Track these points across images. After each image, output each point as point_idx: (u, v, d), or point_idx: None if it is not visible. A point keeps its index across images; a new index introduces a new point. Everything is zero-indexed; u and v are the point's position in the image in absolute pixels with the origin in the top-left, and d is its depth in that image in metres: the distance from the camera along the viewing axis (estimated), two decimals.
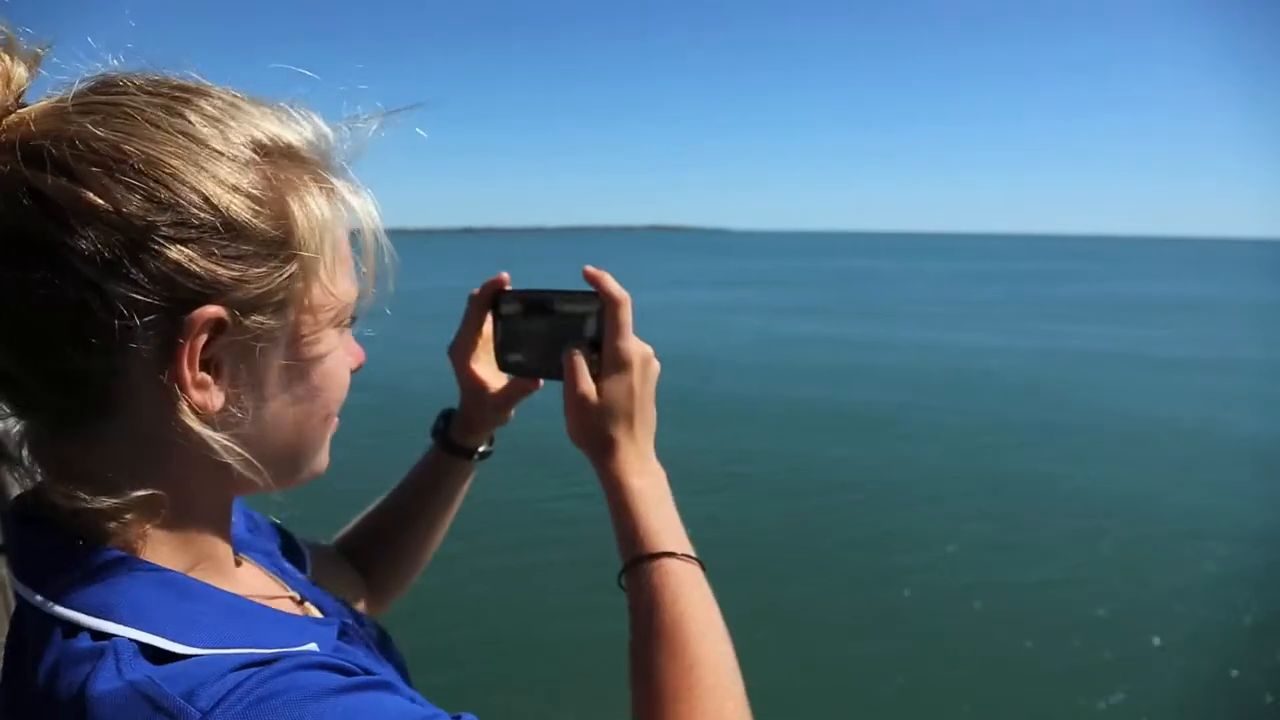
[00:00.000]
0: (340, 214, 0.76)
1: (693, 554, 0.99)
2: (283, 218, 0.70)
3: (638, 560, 0.98)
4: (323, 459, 0.85)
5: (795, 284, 47.73)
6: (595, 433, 1.07)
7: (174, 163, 0.65)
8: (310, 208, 0.73)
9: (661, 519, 1.01)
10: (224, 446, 0.74)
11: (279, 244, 0.70)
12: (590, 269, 1.08)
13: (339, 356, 0.80)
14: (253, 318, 0.70)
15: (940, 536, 8.14)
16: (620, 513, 1.03)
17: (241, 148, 0.70)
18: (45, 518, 0.72)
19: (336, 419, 0.84)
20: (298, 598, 0.96)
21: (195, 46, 0.81)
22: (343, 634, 0.84)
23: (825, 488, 9.73)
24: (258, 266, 0.69)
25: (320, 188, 0.75)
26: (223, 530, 0.82)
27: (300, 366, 0.77)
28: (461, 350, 1.22)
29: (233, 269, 0.68)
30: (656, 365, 1.10)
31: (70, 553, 0.70)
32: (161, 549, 0.73)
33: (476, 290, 1.19)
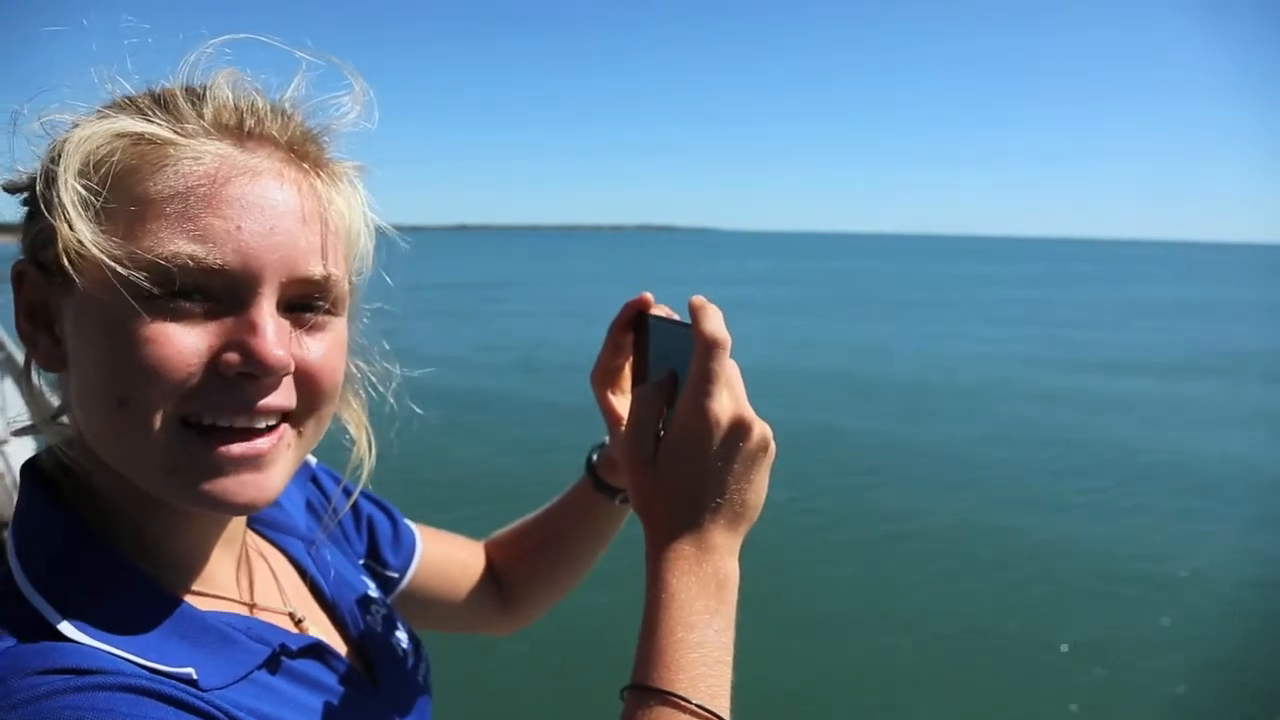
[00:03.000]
0: (157, 164, 0.71)
1: (713, 710, 0.77)
2: (44, 171, 0.74)
3: (637, 690, 0.79)
4: (146, 461, 0.72)
5: (794, 284, 47.74)
6: (647, 505, 0.88)
7: None
8: (69, 153, 0.71)
9: (691, 644, 0.79)
10: (50, 406, 0.81)
11: (35, 195, 0.75)
12: (696, 299, 0.86)
13: (136, 330, 0.69)
14: (34, 270, 0.76)
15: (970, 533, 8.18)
16: (646, 616, 0.83)
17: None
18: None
19: (156, 412, 0.70)
20: (284, 610, 0.92)
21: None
22: (273, 664, 0.81)
23: (834, 487, 9.75)
24: (35, 221, 0.75)
25: (118, 135, 0.72)
26: (188, 518, 0.80)
27: (84, 333, 0.72)
28: (600, 377, 1.06)
29: (26, 226, 0.77)
30: (759, 439, 0.85)
31: (44, 503, 0.78)
32: (118, 522, 0.78)
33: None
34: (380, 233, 0.91)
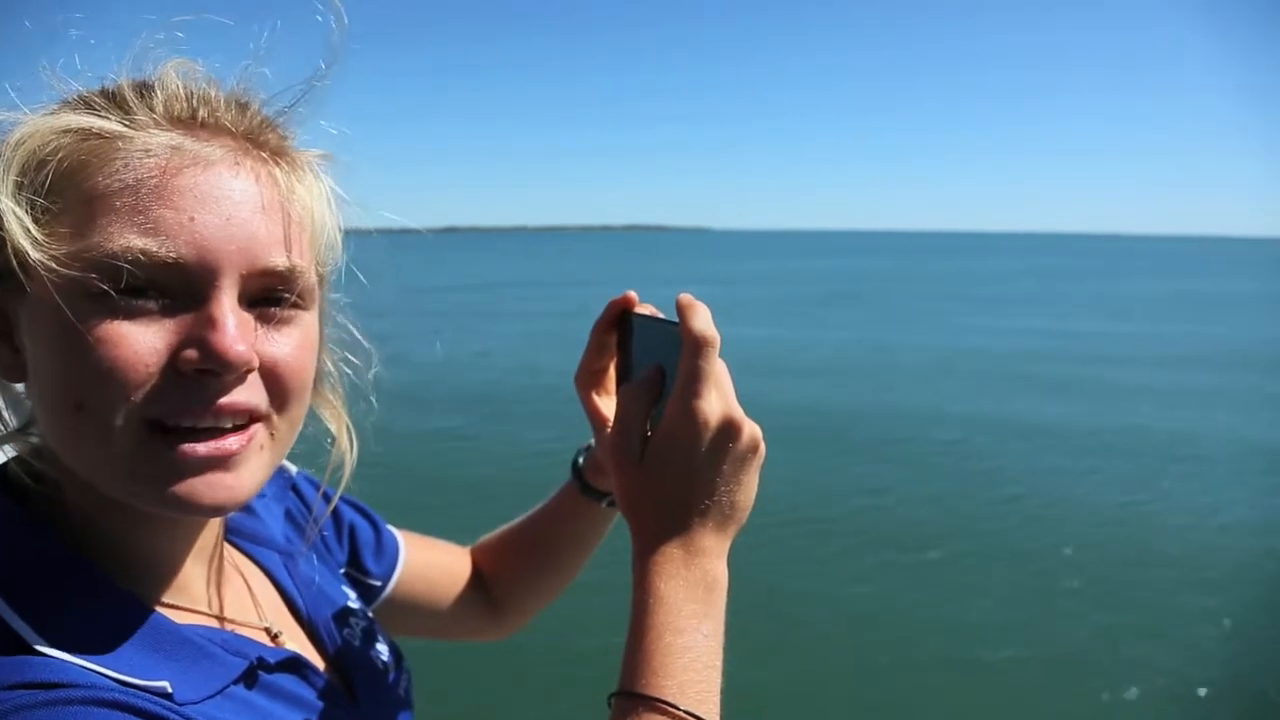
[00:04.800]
0: (105, 159, 0.69)
1: (702, 716, 0.75)
2: None
3: (625, 696, 0.77)
4: (109, 467, 0.70)
5: (791, 284, 47.68)
6: (634, 506, 0.86)
7: None
8: (9, 153, 0.69)
9: (679, 649, 0.78)
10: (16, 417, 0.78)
11: None
12: (683, 297, 0.84)
13: (89, 332, 0.66)
14: None
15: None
16: (634, 620, 0.81)
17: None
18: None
19: (116, 416, 0.67)
20: (259, 625, 0.90)
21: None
22: (250, 678, 0.79)
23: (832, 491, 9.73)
24: None
25: (62, 131, 0.69)
26: (160, 528, 0.78)
27: (39, 339, 0.70)
28: (585, 379, 1.03)
29: None
30: (749, 440, 0.84)
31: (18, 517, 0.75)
32: (88, 533, 0.76)
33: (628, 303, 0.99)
34: (357, 233, 0.89)
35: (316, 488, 1.13)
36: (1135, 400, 14.56)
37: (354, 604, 1.08)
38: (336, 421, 0.96)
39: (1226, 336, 22.73)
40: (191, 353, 0.68)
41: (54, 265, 0.66)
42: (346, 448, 0.98)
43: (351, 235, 0.89)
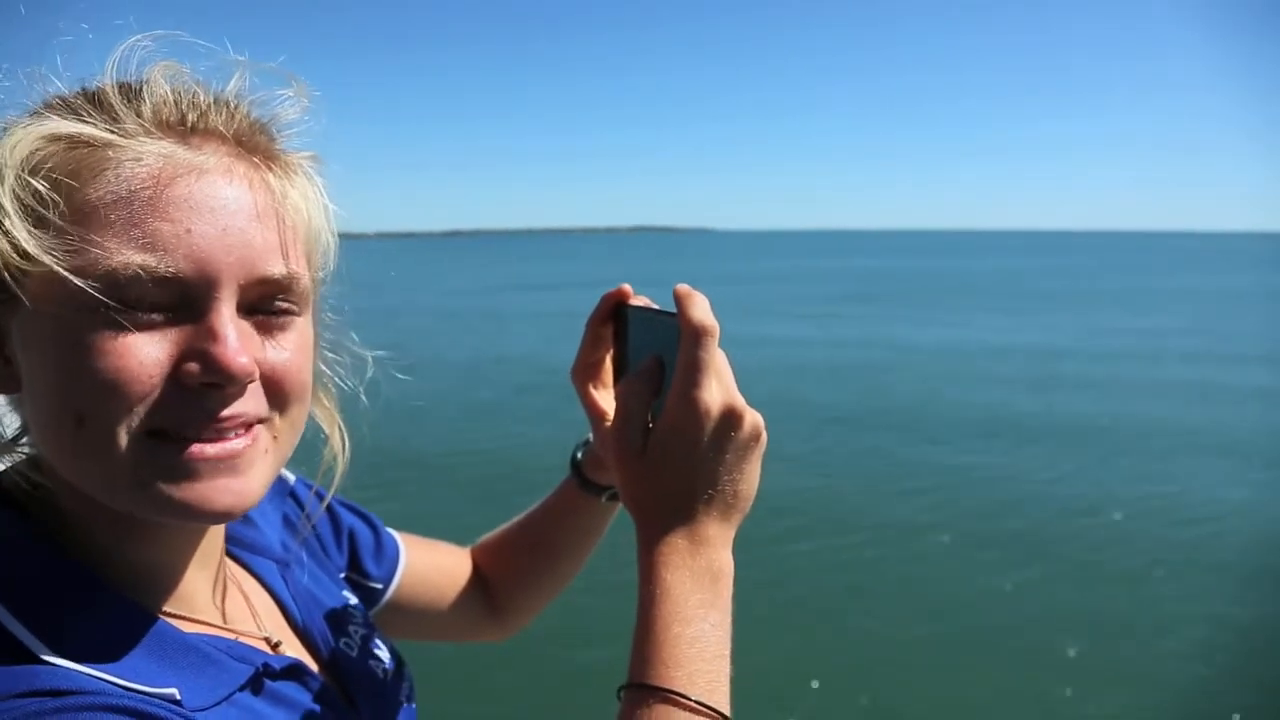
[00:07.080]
0: (96, 168, 0.67)
1: (712, 705, 0.75)
2: None
3: (635, 688, 0.77)
4: (112, 478, 0.69)
5: (791, 282, 47.52)
6: (638, 499, 0.86)
7: None
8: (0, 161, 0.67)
9: (688, 640, 0.78)
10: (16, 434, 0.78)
11: None
12: (681, 287, 0.84)
13: (89, 344, 0.66)
14: None
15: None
16: (641, 613, 0.81)
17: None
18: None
19: (118, 428, 0.67)
20: (260, 634, 0.89)
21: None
22: (255, 685, 0.79)
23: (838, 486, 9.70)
24: None
25: (52, 138, 0.68)
26: (161, 537, 0.78)
27: (35, 352, 0.69)
28: (580, 372, 1.03)
29: None
30: (750, 428, 0.84)
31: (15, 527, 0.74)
32: (89, 543, 0.75)
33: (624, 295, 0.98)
34: (353, 237, 0.89)
35: (317, 495, 1.12)
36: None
37: (353, 610, 1.08)
38: (329, 423, 0.96)
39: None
40: (194, 366, 0.68)
41: (52, 277, 0.65)
42: (339, 449, 0.98)
43: (347, 240, 0.89)
